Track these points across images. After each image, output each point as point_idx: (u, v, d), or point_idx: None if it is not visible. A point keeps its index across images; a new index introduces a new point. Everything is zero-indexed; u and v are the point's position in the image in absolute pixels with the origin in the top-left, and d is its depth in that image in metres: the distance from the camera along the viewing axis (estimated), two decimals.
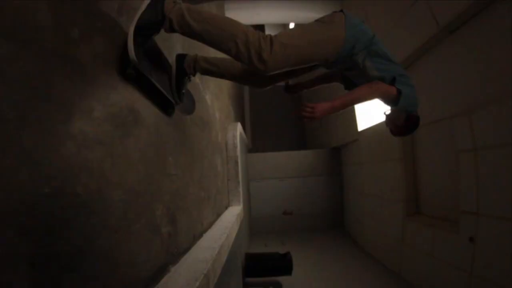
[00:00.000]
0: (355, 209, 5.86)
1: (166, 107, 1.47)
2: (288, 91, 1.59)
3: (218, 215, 2.97)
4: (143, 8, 1.07)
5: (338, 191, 6.79)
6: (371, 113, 4.88)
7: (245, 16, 5.54)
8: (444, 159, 3.46)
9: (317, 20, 1.28)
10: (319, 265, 4.77)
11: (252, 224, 6.55)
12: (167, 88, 1.34)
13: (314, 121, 1.28)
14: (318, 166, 6.83)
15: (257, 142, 8.78)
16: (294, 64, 1.22)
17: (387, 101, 1.39)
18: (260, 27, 12.22)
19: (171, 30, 1.15)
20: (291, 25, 11.00)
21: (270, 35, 1.16)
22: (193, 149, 2.01)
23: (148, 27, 1.08)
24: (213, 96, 3.13)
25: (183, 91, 1.45)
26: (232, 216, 3.11)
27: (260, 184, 6.78)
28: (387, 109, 1.55)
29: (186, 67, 1.41)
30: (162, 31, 1.17)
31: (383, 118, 1.60)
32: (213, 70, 1.46)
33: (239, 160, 3.71)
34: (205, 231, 2.28)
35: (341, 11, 1.29)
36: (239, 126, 4.29)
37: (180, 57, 1.42)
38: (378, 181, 4.69)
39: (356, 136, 5.25)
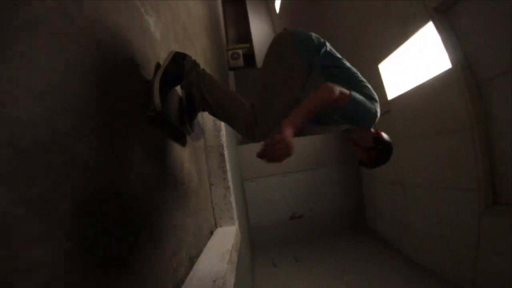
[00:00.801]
0: (389, 205, 4.44)
1: (178, 137, 1.46)
2: None
3: (193, 259, 1.50)
4: (167, 62, 1.14)
5: (356, 183, 5.40)
6: (408, 71, 3.48)
7: None
8: None
9: (268, 56, 1.23)
10: None
11: (253, 236, 5.08)
12: (179, 121, 1.35)
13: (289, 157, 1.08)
14: (330, 154, 5.41)
15: None
16: (281, 116, 1.18)
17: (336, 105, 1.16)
18: None
19: (188, 90, 1.22)
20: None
21: (254, 111, 1.16)
22: None
23: (170, 80, 1.14)
24: (171, 35, 1.67)
25: (194, 122, 1.47)
26: (220, 254, 1.65)
27: (258, 184, 5.31)
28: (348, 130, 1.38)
29: (197, 105, 1.38)
30: None
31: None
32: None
33: (225, 152, 2.25)
34: None
35: (284, 29, 1.25)
36: None
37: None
38: (429, 163, 3.29)
39: (386, 107, 3.83)
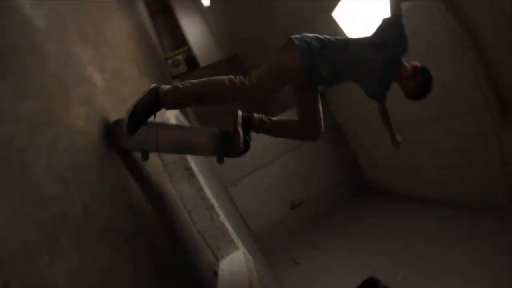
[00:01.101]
0: (390, 156, 4.04)
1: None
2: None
3: None
4: (137, 99, 1.23)
5: (347, 150, 5.03)
6: (372, 12, 3.00)
7: None
8: None
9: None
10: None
11: (260, 243, 4.54)
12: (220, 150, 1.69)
13: None
14: None
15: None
16: (272, 82, 1.39)
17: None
18: None
19: (175, 106, 1.37)
20: None
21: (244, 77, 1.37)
22: None
23: (146, 112, 1.24)
24: (70, 29, 1.13)
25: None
26: None
27: (243, 186, 4.75)
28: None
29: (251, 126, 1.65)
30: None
31: None
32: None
33: (191, 164, 1.68)
34: None
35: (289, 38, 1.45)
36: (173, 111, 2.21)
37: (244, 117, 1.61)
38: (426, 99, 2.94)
39: None
